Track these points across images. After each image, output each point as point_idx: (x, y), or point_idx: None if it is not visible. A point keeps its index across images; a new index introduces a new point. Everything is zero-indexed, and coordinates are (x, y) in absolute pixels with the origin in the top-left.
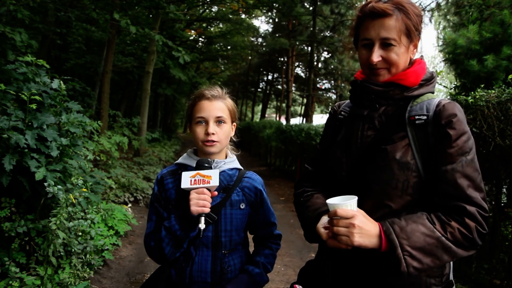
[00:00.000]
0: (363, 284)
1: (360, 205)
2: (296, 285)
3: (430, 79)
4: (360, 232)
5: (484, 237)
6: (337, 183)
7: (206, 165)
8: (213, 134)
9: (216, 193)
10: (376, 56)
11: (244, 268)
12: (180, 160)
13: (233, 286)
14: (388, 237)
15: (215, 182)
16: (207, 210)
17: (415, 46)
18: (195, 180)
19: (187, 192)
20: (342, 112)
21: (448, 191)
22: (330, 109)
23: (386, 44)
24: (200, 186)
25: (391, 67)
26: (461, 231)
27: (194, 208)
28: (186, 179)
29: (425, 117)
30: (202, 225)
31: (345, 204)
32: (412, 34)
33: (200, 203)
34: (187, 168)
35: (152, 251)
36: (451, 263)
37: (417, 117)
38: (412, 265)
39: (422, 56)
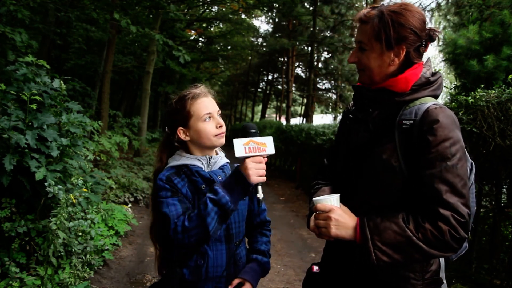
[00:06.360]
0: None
1: (348, 201)
2: (314, 266)
3: (425, 84)
4: (336, 225)
5: (461, 241)
6: (337, 178)
7: (253, 131)
8: (223, 125)
9: (267, 159)
10: (351, 57)
11: (252, 257)
12: (177, 162)
13: (248, 276)
14: (362, 230)
15: (271, 149)
16: (265, 179)
17: (397, 55)
18: (249, 148)
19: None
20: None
21: (426, 194)
22: (344, 107)
23: (361, 48)
24: (256, 154)
25: (365, 70)
26: (433, 233)
27: (254, 178)
28: (240, 147)
29: (411, 122)
30: (260, 194)
31: (326, 200)
32: (386, 39)
33: (261, 172)
34: (190, 167)
35: (187, 232)
36: (442, 260)
37: (404, 121)
38: (382, 259)
39: (428, 59)
